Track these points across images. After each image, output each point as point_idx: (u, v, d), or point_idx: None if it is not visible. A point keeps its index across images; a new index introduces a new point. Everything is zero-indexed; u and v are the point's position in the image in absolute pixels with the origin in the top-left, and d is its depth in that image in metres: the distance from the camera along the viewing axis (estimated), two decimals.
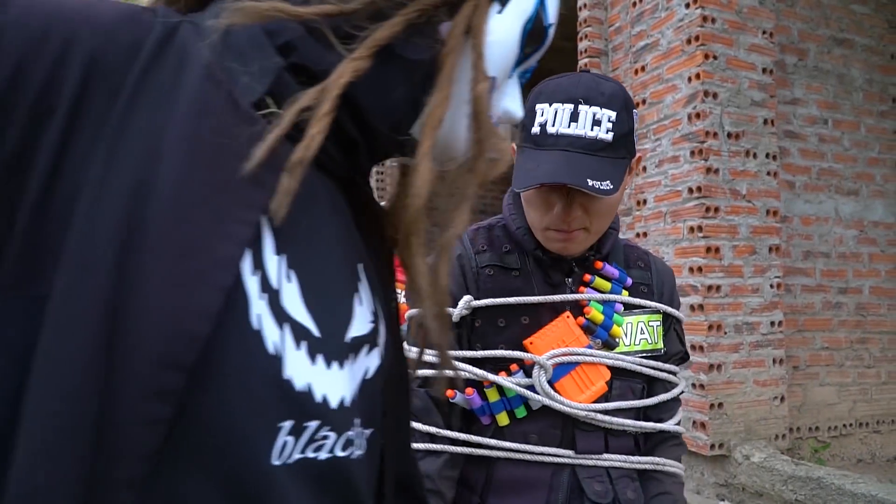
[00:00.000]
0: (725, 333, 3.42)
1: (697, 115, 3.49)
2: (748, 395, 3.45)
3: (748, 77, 3.59)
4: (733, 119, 3.52)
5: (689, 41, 3.55)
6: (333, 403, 0.47)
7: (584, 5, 4.53)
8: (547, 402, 1.15)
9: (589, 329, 1.20)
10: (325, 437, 0.47)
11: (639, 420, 1.23)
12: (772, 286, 3.59)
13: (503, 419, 1.17)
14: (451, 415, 1.18)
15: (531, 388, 1.15)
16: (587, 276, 1.22)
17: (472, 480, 1.17)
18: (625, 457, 1.20)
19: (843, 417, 3.94)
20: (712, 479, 3.40)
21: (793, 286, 3.84)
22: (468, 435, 1.16)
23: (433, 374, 1.14)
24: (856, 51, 4.16)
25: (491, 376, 1.15)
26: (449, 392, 1.16)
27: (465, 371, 1.15)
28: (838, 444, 3.86)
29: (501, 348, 1.16)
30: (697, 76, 3.49)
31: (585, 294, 1.21)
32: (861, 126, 4.15)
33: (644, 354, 1.24)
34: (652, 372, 1.23)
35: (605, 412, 1.18)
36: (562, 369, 1.17)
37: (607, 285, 1.23)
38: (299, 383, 0.45)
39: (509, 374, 1.17)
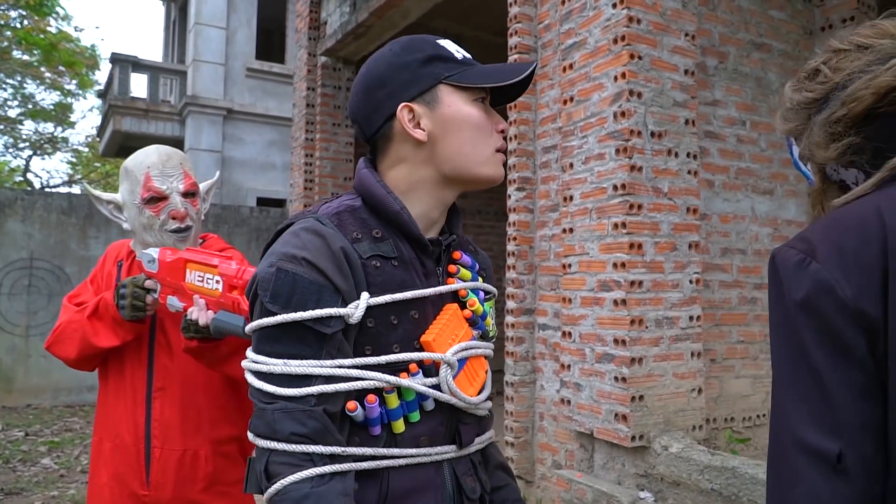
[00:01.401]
0: (647, 328, 3.51)
1: (623, 114, 3.55)
2: (667, 388, 3.54)
3: (671, 78, 3.68)
4: (656, 118, 3.61)
5: (615, 41, 3.61)
6: None
7: (515, 1, 4.57)
8: (453, 400, 1.14)
9: (473, 321, 1.21)
10: None
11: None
12: (691, 282, 3.70)
13: (399, 426, 1.11)
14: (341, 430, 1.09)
15: (436, 387, 1.13)
16: (452, 268, 1.22)
17: (364, 499, 1.09)
18: (479, 437, 1.25)
19: (756, 408, 4.10)
20: (633, 470, 3.48)
21: (711, 282, 3.96)
22: (370, 448, 1.08)
23: (331, 389, 1.04)
24: (773, 55, 4.31)
25: (402, 381, 1.09)
26: (350, 405, 1.07)
27: (373, 380, 1.07)
28: (752, 434, 4.02)
29: (396, 348, 1.10)
30: (623, 75, 3.56)
31: (465, 284, 1.21)
32: (777, 128, 4.30)
33: (492, 338, 1.30)
34: (492, 354, 1.28)
35: (486, 400, 1.22)
36: (459, 365, 1.16)
37: (468, 273, 1.24)
38: None
39: (409, 376, 1.11)
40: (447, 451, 1.16)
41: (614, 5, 3.62)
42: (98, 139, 17.23)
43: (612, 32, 3.64)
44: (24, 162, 22.16)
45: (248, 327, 1.08)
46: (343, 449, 1.04)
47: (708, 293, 3.93)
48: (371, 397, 1.08)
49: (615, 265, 3.56)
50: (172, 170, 1.98)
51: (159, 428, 1.94)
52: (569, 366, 3.85)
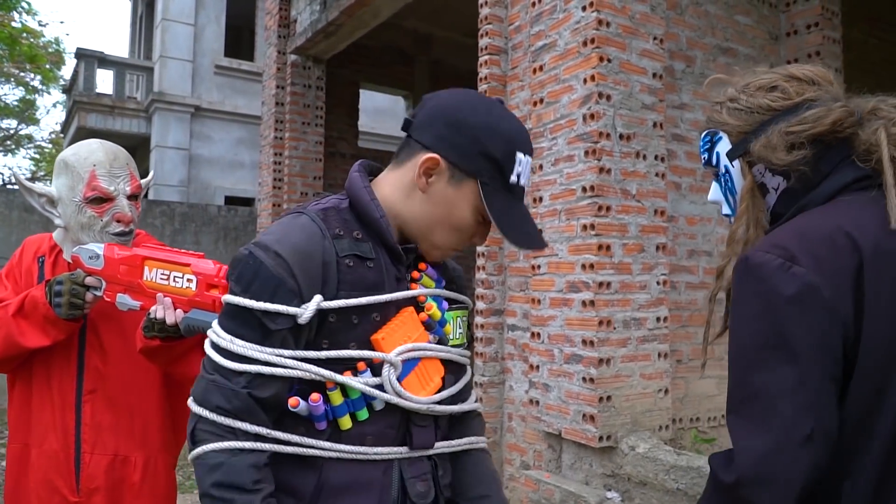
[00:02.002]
0: (615, 329, 3.53)
1: (592, 116, 3.58)
2: (635, 388, 3.57)
3: (639, 81, 3.71)
4: (625, 121, 3.64)
5: (585, 43, 3.63)
6: None
7: (486, 2, 4.57)
8: (396, 400, 1.16)
9: (429, 325, 1.25)
10: None
11: (455, 404, 1.29)
12: (658, 283, 3.74)
13: (346, 423, 1.15)
14: (284, 417, 1.15)
15: (379, 387, 1.15)
16: (416, 273, 1.27)
17: (298, 487, 1.13)
18: (448, 442, 1.28)
19: (722, 408, 4.15)
20: (600, 470, 3.51)
21: (678, 283, 4.00)
22: (300, 436, 1.13)
23: (266, 371, 1.10)
24: (739, 60, 4.37)
25: (339, 377, 1.12)
26: (292, 401, 1.12)
27: (308, 372, 1.12)
28: (717, 434, 4.07)
29: (353, 346, 1.14)
30: (592, 78, 3.58)
31: (426, 290, 1.25)
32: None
33: (461, 346, 1.33)
34: (467, 361, 1.34)
35: (440, 402, 1.24)
36: (408, 366, 1.19)
37: (431, 283, 1.29)
38: None
39: (355, 373, 1.14)
40: (394, 453, 1.18)
41: (584, 8, 3.64)
42: (62, 135, 16.92)
43: (581, 35, 3.66)
44: None
45: (222, 298, 1.15)
46: (268, 431, 1.11)
47: (675, 294, 3.97)
48: (315, 396, 1.12)
49: (584, 266, 3.58)
50: (119, 170, 1.89)
51: (89, 432, 1.87)
52: (537, 366, 3.87)
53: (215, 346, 1.13)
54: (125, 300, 1.76)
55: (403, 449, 1.19)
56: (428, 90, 7.50)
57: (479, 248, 4.54)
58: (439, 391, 1.24)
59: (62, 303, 1.75)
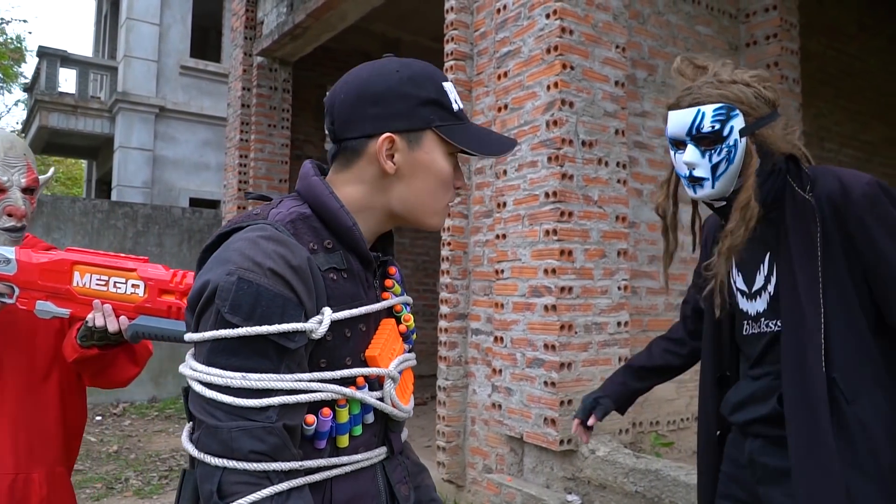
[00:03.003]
0: (576, 333, 3.57)
1: (555, 123, 3.61)
2: None
3: (602, 88, 3.76)
4: (587, 128, 3.68)
5: (548, 50, 3.67)
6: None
7: (451, 8, 4.59)
8: (394, 412, 1.16)
9: (406, 336, 1.24)
10: None
11: None
12: (619, 288, 3.78)
13: (343, 441, 1.12)
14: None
15: (380, 400, 1.15)
16: (389, 282, 1.24)
17: None
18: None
19: (680, 412, 4.21)
20: (561, 474, 3.54)
21: (638, 288, 4.06)
22: (322, 460, 1.08)
23: (293, 400, 1.02)
24: None
25: (358, 394, 1.09)
26: (309, 418, 1.06)
27: (331, 392, 1.07)
28: (676, 438, 4.13)
29: (348, 361, 1.11)
30: (556, 85, 3.62)
31: (399, 299, 1.24)
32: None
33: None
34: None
35: (413, 408, 1.26)
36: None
37: (399, 288, 1.26)
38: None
39: (357, 389, 1.12)
40: (380, 454, 1.18)
41: (547, 16, 3.68)
42: (23, 135, 16.58)
43: (545, 42, 3.70)
44: None
45: (200, 336, 1.02)
46: (300, 464, 1.03)
47: (636, 299, 4.02)
48: (326, 411, 1.07)
49: (546, 271, 3.61)
50: (15, 160, 1.75)
51: None
52: (500, 370, 3.89)
53: (224, 389, 0.99)
54: (48, 307, 1.62)
55: (383, 449, 1.19)
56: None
57: (444, 253, 4.56)
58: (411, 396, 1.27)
59: None
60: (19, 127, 20.58)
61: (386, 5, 6.48)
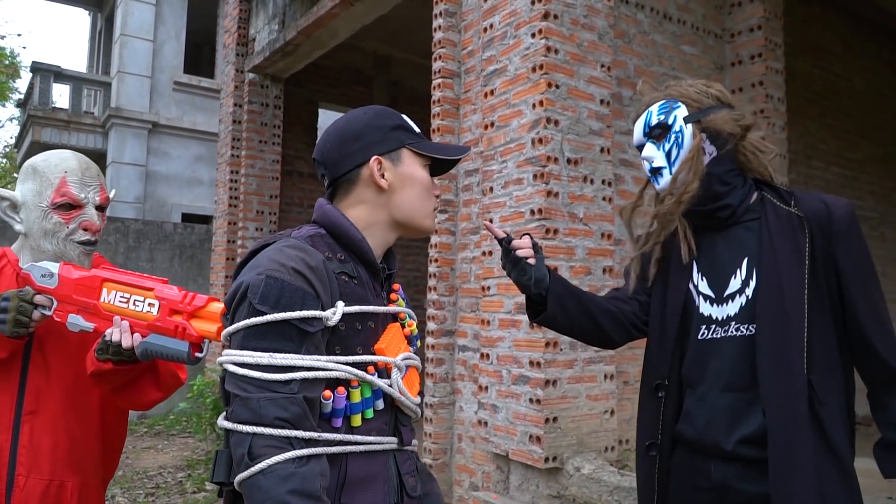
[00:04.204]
0: (561, 350, 3.57)
1: (540, 141, 3.64)
2: (581, 410, 3.61)
3: (587, 107, 3.79)
4: (573, 146, 3.70)
5: (534, 69, 3.70)
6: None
7: (440, 27, 4.63)
8: (401, 398, 1.37)
9: (410, 340, 1.47)
10: None
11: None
12: None
13: (357, 420, 1.31)
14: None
15: (389, 386, 1.36)
16: (394, 295, 1.49)
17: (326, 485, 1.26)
18: (414, 442, 1.48)
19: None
20: (546, 492, 3.53)
21: None
22: (339, 434, 1.26)
23: (312, 375, 1.21)
24: None
25: (368, 376, 1.30)
26: (326, 393, 1.25)
27: (345, 372, 1.27)
28: None
29: (359, 350, 1.32)
30: (541, 103, 3.64)
31: (403, 308, 1.47)
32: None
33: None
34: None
35: (419, 403, 1.45)
36: (404, 370, 1.40)
37: (402, 303, 1.52)
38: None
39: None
40: (392, 442, 1.37)
41: (533, 35, 3.72)
42: (16, 150, 16.57)
43: (530, 61, 3.73)
44: None
45: (235, 326, 1.23)
46: (319, 434, 1.22)
47: None
48: (340, 389, 1.28)
49: None
50: (91, 180, 1.91)
51: (26, 454, 1.82)
52: (486, 387, 3.89)
53: (255, 367, 1.20)
54: (78, 321, 1.72)
55: (395, 439, 1.38)
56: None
57: (431, 269, 4.57)
58: (420, 393, 1.46)
59: (7, 319, 1.70)
60: (13, 142, 20.57)
61: (376, 23, 6.53)
